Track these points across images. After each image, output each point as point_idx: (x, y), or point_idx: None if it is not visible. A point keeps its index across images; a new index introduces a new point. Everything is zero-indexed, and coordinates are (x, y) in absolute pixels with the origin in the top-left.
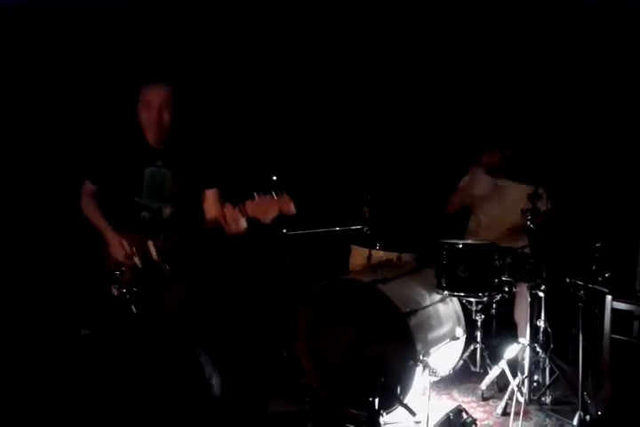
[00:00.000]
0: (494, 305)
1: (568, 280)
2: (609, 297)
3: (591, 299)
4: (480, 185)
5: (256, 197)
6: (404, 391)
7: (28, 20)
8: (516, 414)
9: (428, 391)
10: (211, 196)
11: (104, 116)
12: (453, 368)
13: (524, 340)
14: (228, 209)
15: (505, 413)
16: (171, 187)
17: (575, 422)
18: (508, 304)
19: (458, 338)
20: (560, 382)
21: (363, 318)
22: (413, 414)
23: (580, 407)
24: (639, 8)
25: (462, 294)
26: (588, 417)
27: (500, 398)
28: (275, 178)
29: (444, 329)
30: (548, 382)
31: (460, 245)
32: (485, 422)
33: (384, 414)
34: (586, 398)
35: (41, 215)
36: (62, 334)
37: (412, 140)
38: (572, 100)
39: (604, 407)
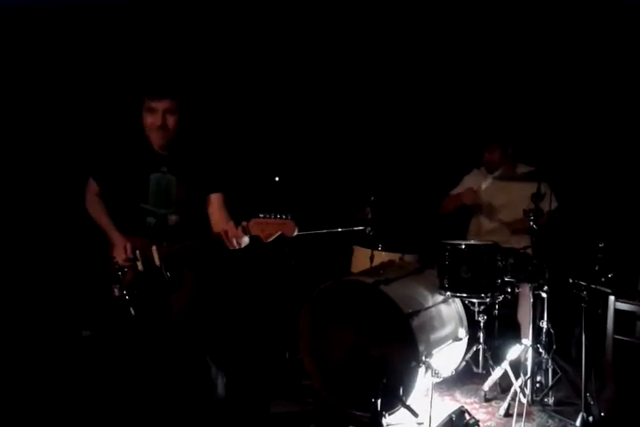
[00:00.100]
0: (497, 306)
1: (571, 281)
2: (612, 298)
3: (594, 299)
4: (470, 198)
5: (261, 217)
6: (407, 392)
7: (28, 20)
8: (519, 415)
9: (430, 392)
10: (215, 200)
11: (109, 120)
12: (456, 369)
13: (527, 341)
14: (231, 227)
15: (507, 414)
16: (176, 193)
17: (578, 423)
18: (511, 305)
19: (460, 339)
20: (563, 383)
21: (365, 319)
22: (416, 415)
23: (582, 408)
24: (639, 8)
25: (465, 295)
26: (590, 418)
27: (503, 400)
28: (277, 179)
29: (447, 330)
30: (550, 383)
31: (463, 246)
32: (488, 424)
33: (386, 415)
34: (589, 399)
35: (43, 215)
36: (63, 334)
37: (414, 141)
38: (575, 100)
39: (607, 408)
